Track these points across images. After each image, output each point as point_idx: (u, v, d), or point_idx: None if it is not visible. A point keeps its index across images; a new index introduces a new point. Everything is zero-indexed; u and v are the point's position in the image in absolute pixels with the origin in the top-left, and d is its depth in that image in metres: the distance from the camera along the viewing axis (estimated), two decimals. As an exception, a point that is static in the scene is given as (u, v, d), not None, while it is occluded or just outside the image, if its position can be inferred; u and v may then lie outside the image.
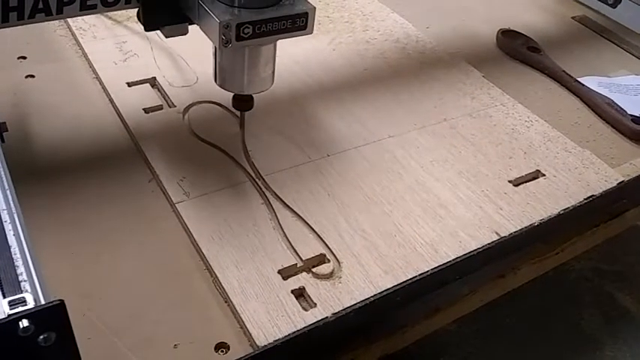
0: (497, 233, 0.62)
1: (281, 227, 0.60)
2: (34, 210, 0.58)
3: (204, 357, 0.50)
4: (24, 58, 0.80)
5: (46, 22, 0.58)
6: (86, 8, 0.57)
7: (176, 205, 0.61)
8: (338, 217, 0.62)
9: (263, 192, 0.64)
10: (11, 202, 0.40)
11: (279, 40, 0.58)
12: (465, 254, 0.60)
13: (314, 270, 0.57)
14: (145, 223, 0.60)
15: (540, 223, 0.64)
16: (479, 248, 0.61)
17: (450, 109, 0.79)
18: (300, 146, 0.70)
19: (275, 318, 0.52)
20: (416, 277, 0.57)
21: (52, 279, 0.44)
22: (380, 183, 0.67)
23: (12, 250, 0.36)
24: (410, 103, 0.79)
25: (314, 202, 0.63)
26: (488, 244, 0.61)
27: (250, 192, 0.64)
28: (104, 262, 0.56)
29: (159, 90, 0.77)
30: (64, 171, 0.64)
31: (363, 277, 0.56)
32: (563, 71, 0.88)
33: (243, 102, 0.64)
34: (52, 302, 0.32)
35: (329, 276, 0.56)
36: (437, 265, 0.58)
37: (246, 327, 0.51)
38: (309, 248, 0.58)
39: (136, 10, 0.60)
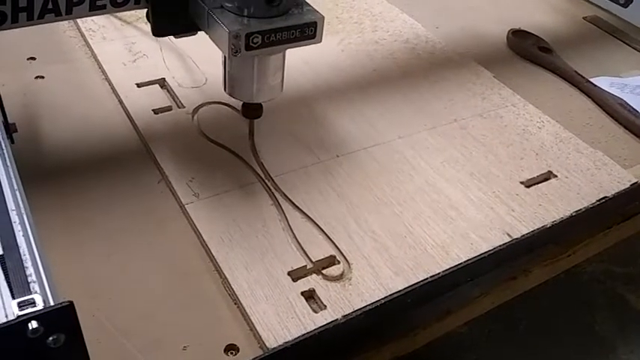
0: (508, 235, 0.62)
1: (290, 228, 0.60)
2: (44, 210, 0.58)
3: (214, 359, 0.49)
4: (33, 59, 0.81)
5: (56, 23, 0.58)
6: (95, 8, 0.57)
7: (185, 205, 0.61)
8: (348, 218, 0.62)
9: (272, 193, 0.64)
10: (20, 203, 0.40)
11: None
12: (476, 256, 0.59)
13: (324, 272, 0.56)
14: (154, 223, 0.60)
15: (552, 225, 0.64)
16: (490, 250, 0.60)
17: (460, 110, 0.78)
18: (309, 147, 0.70)
19: (285, 320, 0.52)
20: (427, 279, 0.57)
21: (61, 280, 0.44)
22: (390, 184, 0.66)
23: (21, 250, 0.36)
24: (420, 104, 0.79)
25: (323, 203, 0.63)
26: (500, 245, 0.61)
27: (260, 193, 0.64)
28: (113, 262, 0.56)
29: (168, 91, 0.76)
30: (73, 172, 0.64)
31: (373, 278, 0.56)
32: (575, 71, 0.87)
33: (252, 110, 0.64)
34: (61, 303, 0.32)
35: (339, 278, 0.56)
36: (448, 266, 0.58)
37: (255, 329, 0.51)
38: (319, 250, 0.58)
39: (145, 10, 0.60)
